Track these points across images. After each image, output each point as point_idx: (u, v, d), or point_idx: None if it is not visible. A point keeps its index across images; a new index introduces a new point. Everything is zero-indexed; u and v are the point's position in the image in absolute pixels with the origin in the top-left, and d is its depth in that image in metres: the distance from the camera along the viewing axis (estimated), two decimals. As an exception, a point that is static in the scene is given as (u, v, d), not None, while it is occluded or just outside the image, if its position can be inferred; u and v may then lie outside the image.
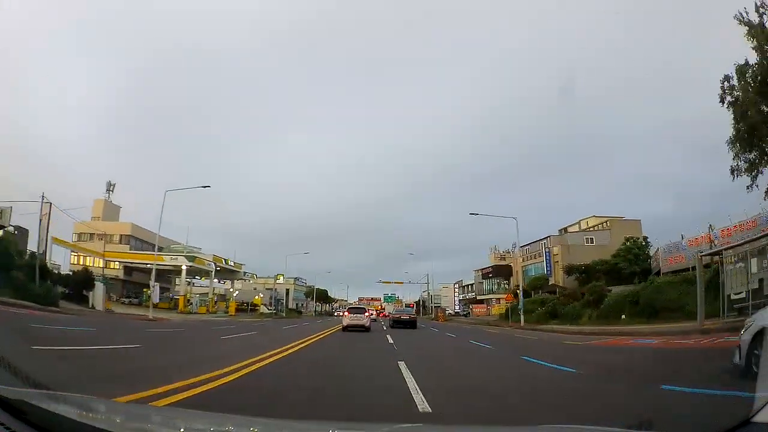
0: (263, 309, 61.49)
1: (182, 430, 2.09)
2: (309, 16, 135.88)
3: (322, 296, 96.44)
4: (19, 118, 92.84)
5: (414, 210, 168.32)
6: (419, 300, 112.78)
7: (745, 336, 5.72)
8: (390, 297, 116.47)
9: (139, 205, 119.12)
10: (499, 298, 62.30)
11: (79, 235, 53.05)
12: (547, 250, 50.55)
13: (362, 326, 22.17)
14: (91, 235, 52.09)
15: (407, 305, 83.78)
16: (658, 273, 34.08)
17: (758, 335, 5.24)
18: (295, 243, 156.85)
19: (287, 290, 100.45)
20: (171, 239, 58.55)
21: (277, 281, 79.13)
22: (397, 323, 28.43)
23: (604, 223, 56.59)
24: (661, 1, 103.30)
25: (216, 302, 61.69)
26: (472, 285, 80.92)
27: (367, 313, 24.48)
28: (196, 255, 54.90)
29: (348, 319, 22.60)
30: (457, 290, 75.08)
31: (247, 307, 57.86)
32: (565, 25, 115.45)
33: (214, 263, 57.62)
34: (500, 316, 43.77)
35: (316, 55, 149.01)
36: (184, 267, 52.93)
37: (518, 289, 31.24)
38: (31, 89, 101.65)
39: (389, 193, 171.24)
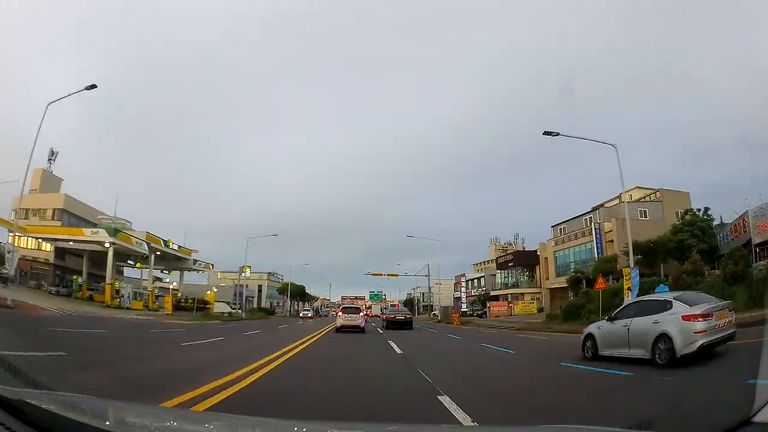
0: (218, 308, 47.52)
1: (182, 430, 2.07)
2: (310, 16, 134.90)
3: (299, 293, 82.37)
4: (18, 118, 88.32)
5: (405, 209, 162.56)
6: (410, 298, 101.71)
7: (582, 336, 10.26)
8: (376, 295, 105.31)
9: (140, 205, 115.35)
10: (522, 293, 50.02)
11: (16, 211, 41.64)
12: (596, 226, 38.21)
13: (357, 327, 21.78)
14: (26, 210, 42.61)
15: (393, 305, 72.00)
16: (743, 245, 25.31)
17: (586, 337, 9.94)
18: (282, 241, 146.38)
19: (259, 287, 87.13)
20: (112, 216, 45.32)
21: (243, 275, 65.32)
22: (392, 324, 26.67)
23: (653, 195, 45.10)
24: (661, 1, 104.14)
25: (158, 297, 47.48)
26: (478, 279, 68.14)
27: (362, 314, 23.80)
28: (121, 229, 40.58)
29: (342, 319, 22.40)
30: (463, 285, 61.16)
31: (192, 305, 43.51)
32: (565, 25, 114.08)
33: (148, 243, 43.32)
34: (548, 317, 31.01)
35: (316, 55, 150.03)
36: (107, 244, 38.69)
37: (629, 265, 17.88)
38: (24, 88, 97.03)
39: (384, 192, 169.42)
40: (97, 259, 43.26)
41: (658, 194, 44.31)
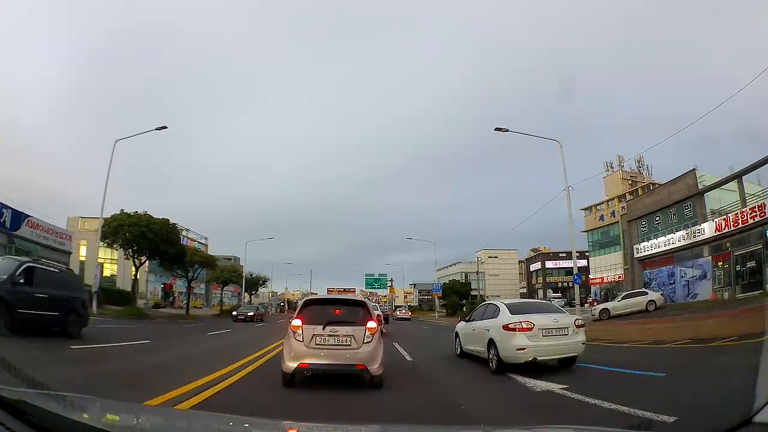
0: None
1: (182, 428, 2.04)
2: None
3: (176, 256, 30.13)
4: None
5: (395, 200, 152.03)
6: (451, 283, 62.04)
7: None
8: (377, 279, 62.21)
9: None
10: None
11: None
12: None
13: (349, 367, 6.15)
14: None
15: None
16: None
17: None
18: (258, 235, 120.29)
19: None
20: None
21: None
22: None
23: None
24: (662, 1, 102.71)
25: None
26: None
27: (370, 323, 6.26)
28: None
29: (300, 343, 6.06)
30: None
31: None
32: (564, 25, 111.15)
33: None
34: None
35: (290, 30, 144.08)
36: None
37: None
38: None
39: (370, 178, 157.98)
40: None
41: None
